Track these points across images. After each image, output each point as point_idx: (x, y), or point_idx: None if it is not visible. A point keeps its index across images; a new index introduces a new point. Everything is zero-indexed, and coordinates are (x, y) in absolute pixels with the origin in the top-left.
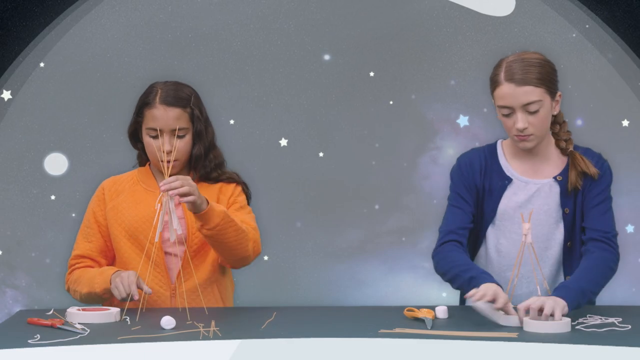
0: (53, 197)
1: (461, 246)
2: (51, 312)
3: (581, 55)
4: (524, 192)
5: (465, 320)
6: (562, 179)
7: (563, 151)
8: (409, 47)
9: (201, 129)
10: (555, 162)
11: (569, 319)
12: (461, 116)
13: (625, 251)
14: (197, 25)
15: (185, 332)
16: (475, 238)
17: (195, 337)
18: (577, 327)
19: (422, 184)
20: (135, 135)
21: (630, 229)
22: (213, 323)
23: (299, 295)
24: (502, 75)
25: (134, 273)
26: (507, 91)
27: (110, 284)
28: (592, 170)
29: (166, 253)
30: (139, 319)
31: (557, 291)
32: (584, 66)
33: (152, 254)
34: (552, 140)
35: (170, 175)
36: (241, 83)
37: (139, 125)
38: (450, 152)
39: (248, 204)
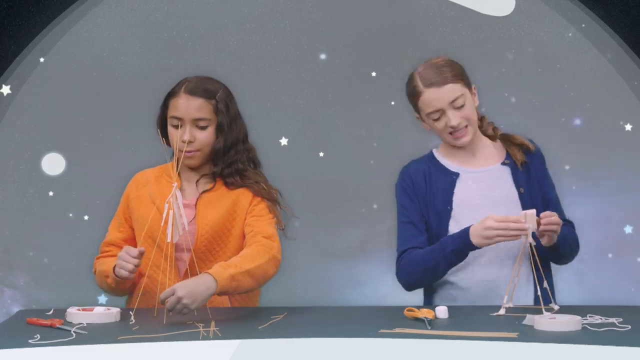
0: (51, 197)
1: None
2: (51, 311)
3: (578, 54)
4: (476, 182)
5: (465, 320)
6: (509, 162)
7: (492, 138)
8: (406, 47)
9: (224, 123)
10: (492, 150)
11: (579, 317)
12: None
13: (624, 251)
14: (193, 25)
15: (185, 332)
16: (436, 238)
17: (195, 337)
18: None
19: None
20: (164, 129)
21: (628, 229)
22: (213, 323)
23: (297, 295)
24: (420, 85)
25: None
26: (432, 95)
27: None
28: (524, 141)
29: (178, 250)
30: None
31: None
32: (581, 65)
33: (170, 251)
34: (480, 134)
35: (188, 166)
36: (237, 82)
37: (165, 116)
38: None
39: (279, 219)
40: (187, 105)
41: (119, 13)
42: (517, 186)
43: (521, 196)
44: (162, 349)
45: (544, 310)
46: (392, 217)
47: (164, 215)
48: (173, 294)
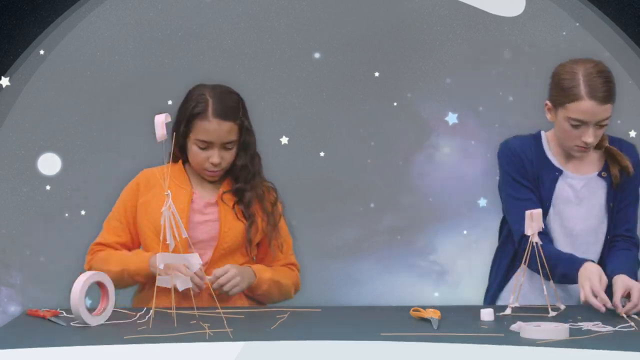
0: (47, 197)
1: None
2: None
3: (574, 52)
4: (572, 187)
5: (466, 321)
6: (607, 175)
7: (597, 147)
8: (401, 46)
9: (248, 141)
10: (592, 159)
11: (567, 325)
12: (450, 114)
13: None
14: (188, 24)
15: (189, 333)
16: None
17: (200, 338)
18: (584, 328)
19: (418, 182)
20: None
21: None
22: (226, 323)
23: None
24: (583, 90)
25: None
26: (589, 108)
27: (151, 267)
28: (629, 167)
29: (198, 249)
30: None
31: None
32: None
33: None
34: None
35: (210, 182)
36: (232, 81)
37: (186, 133)
38: (445, 151)
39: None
40: (219, 130)
41: (112, 12)
42: (609, 201)
43: (609, 209)
44: (167, 350)
45: (550, 309)
46: (389, 216)
47: (164, 222)
48: (226, 273)
